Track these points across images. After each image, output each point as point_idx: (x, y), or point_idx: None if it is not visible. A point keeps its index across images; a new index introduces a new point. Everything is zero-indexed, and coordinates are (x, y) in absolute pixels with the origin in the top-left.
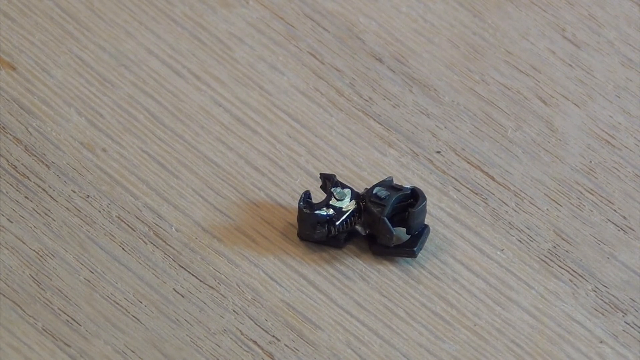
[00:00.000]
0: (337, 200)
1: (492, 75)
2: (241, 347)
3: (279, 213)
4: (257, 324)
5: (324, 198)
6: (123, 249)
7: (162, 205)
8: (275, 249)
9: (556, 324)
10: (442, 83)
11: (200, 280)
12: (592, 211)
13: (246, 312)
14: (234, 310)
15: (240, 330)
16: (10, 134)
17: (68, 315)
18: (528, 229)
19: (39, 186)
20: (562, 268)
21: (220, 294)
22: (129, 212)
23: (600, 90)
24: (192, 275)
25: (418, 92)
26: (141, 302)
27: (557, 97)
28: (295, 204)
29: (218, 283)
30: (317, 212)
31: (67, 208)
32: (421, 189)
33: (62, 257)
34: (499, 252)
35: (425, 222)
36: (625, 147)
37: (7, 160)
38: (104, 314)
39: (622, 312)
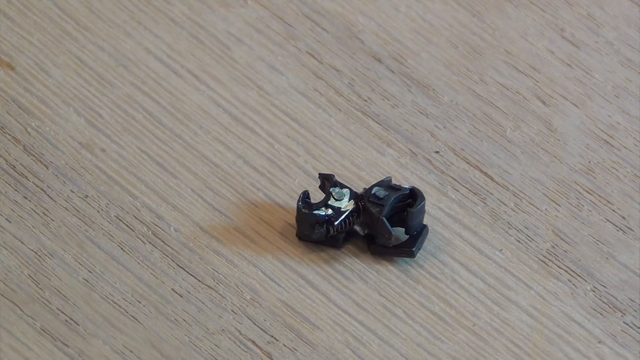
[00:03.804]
0: (336, 200)
1: (491, 75)
2: (240, 347)
3: (277, 213)
4: (255, 324)
5: (322, 198)
6: (122, 248)
7: (160, 205)
8: (273, 249)
9: (555, 324)
10: (441, 83)
11: (199, 280)
12: (591, 211)
13: (245, 312)
14: (232, 310)
15: (239, 330)
16: (9, 134)
17: (67, 315)
18: (527, 229)
19: (38, 186)
20: (561, 268)
21: (219, 294)
22: (127, 212)
23: (599, 91)
24: (191, 275)
25: (417, 92)
26: (140, 302)
27: (556, 97)
28: (294, 204)
29: (217, 283)
30: (315, 212)
31: (65, 208)
32: (420, 189)
33: (61, 257)
34: (497, 252)
35: (424, 222)
36: (624, 147)
37: (6, 160)
38: (103, 314)
39: (621, 312)
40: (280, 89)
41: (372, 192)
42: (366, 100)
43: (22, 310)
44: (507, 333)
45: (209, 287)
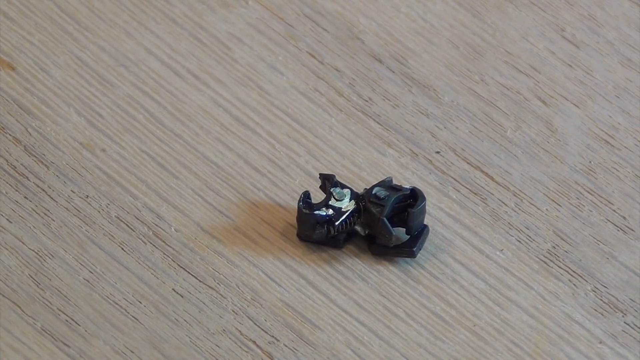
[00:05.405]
0: (337, 200)
1: (492, 76)
2: (240, 347)
3: (278, 213)
4: (256, 324)
5: (323, 198)
6: (122, 249)
7: (161, 205)
8: (274, 249)
9: (556, 325)
10: (441, 83)
11: (200, 281)
12: (591, 211)
13: (245, 312)
14: (233, 311)
15: (240, 331)
16: (10, 134)
17: (67, 316)
18: (527, 229)
19: (39, 186)
20: (562, 268)
21: (220, 294)
22: (128, 212)
23: (599, 91)
24: (192, 275)
25: (417, 93)
26: (140, 302)
27: (556, 97)
28: (295, 204)
29: (217, 283)
30: (316, 212)
31: (66, 208)
32: (420, 189)
33: (62, 257)
34: (498, 253)
35: (425, 223)
36: (625, 147)
37: (7, 161)
38: (104, 314)
39: (622, 312)
40: (281, 89)
41: (373, 192)
42: (367, 101)
43: (22, 311)
44: (508, 333)
45: (209, 287)
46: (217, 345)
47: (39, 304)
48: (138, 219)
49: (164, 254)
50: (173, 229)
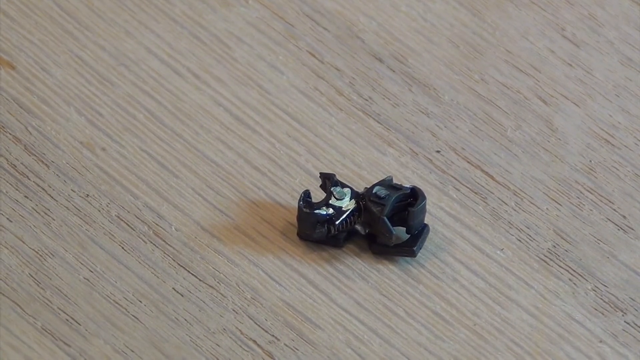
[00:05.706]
0: (337, 199)
1: (492, 75)
2: (241, 346)
3: (278, 212)
4: (256, 324)
5: (323, 197)
6: (123, 248)
7: (161, 204)
8: (274, 248)
9: (556, 324)
10: (441, 82)
11: (200, 280)
12: (591, 210)
13: (246, 311)
14: (233, 310)
15: (240, 330)
16: (10, 133)
17: (68, 315)
18: (528, 228)
19: (39, 185)
20: (562, 267)
21: (220, 293)
22: (128, 212)
23: (599, 90)
24: (192, 274)
25: (418, 92)
26: (141, 302)
27: (556, 96)
28: (295, 203)
29: (218, 282)
30: (316, 211)
31: (66, 207)
32: (421, 188)
33: (62, 257)
34: (498, 252)
35: (425, 222)
36: (625, 146)
37: (7, 160)
38: (104, 313)
39: (622, 311)
40: (281, 88)
41: (373, 191)
42: (367, 100)
43: (23, 310)
44: (508, 332)
45: (210, 286)
46: (217, 345)
47: (39, 303)
48: (138, 218)
49: (164, 253)
50: (173, 228)
